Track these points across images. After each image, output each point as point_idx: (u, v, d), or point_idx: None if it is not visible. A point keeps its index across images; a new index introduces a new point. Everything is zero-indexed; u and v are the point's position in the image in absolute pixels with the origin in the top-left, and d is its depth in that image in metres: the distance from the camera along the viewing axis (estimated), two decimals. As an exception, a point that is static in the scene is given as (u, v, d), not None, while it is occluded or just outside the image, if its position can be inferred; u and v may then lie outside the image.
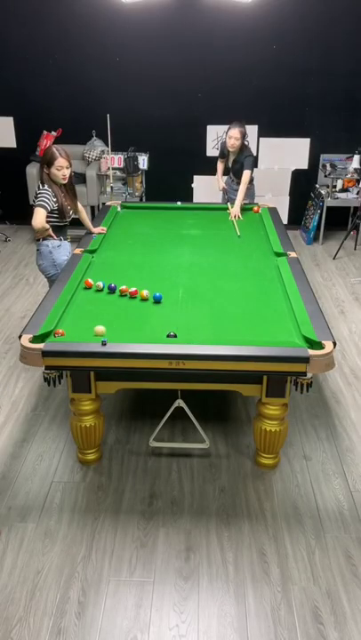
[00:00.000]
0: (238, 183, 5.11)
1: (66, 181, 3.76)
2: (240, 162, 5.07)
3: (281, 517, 2.86)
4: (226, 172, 5.42)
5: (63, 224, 3.84)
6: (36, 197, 3.72)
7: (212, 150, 6.68)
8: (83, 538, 2.73)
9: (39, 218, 3.61)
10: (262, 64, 6.27)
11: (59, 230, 3.81)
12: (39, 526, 2.80)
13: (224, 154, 5.27)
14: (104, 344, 2.65)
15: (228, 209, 4.80)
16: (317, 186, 6.73)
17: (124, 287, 3.25)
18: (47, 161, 3.68)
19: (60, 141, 6.38)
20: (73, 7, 6.08)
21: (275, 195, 6.83)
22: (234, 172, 5.24)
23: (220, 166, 5.43)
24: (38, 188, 3.75)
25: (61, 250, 3.82)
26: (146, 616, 2.38)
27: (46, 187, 3.69)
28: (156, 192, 6.73)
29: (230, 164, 5.24)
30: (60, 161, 3.66)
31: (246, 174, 4.95)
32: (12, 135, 6.69)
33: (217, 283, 3.44)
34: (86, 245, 3.90)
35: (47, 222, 3.68)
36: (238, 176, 5.10)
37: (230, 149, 5.07)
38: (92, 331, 2.83)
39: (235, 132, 4.96)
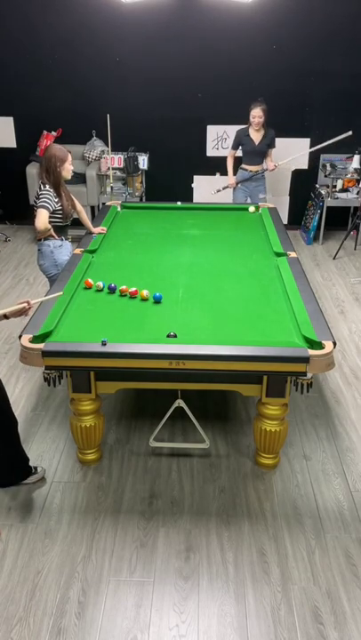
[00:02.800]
0: (260, 171, 5.65)
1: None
2: (269, 136, 5.61)
3: (281, 517, 2.86)
4: (235, 169, 5.79)
5: (65, 224, 3.86)
6: (37, 198, 3.72)
7: (212, 150, 6.68)
8: (83, 538, 2.73)
9: (42, 219, 3.62)
10: (262, 64, 6.27)
11: (60, 230, 3.82)
12: (39, 526, 2.80)
13: (240, 144, 5.63)
14: (104, 344, 2.65)
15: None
16: (317, 186, 6.73)
17: (124, 287, 3.25)
18: (61, 159, 3.70)
19: (59, 141, 6.38)
20: (73, 7, 6.07)
21: (275, 195, 6.82)
22: (259, 151, 5.61)
23: (231, 161, 5.74)
24: (40, 188, 3.74)
25: (62, 250, 3.83)
26: (146, 616, 2.38)
27: (48, 187, 3.70)
28: (156, 192, 6.73)
29: (257, 143, 5.58)
30: (70, 156, 3.76)
31: (271, 153, 5.72)
32: (12, 135, 6.69)
33: (217, 283, 3.44)
34: (86, 245, 3.90)
35: (50, 223, 3.69)
36: (259, 158, 5.65)
37: (255, 128, 5.52)
38: (92, 330, 2.84)
39: (257, 111, 5.45)
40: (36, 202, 3.73)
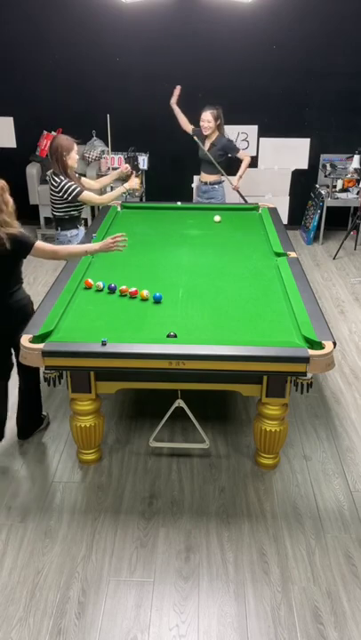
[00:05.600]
0: (207, 183, 5.27)
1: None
2: (219, 145, 5.12)
3: (281, 517, 2.86)
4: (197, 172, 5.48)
5: (80, 212, 4.10)
6: (58, 190, 3.90)
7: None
8: (83, 538, 2.73)
9: (92, 198, 3.99)
10: (263, 64, 6.27)
11: (76, 219, 4.05)
12: (39, 526, 2.80)
13: (196, 138, 5.24)
14: (104, 344, 2.65)
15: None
16: (317, 186, 6.73)
17: (124, 287, 3.25)
18: (67, 148, 3.89)
19: (60, 141, 6.38)
20: (73, 7, 6.08)
21: (275, 195, 6.82)
22: (208, 160, 5.15)
23: (183, 119, 5.36)
24: (54, 180, 3.90)
25: (79, 237, 4.07)
26: (146, 616, 2.38)
27: (62, 177, 3.92)
28: (156, 192, 6.73)
29: (206, 150, 5.16)
30: (75, 145, 3.97)
31: (244, 153, 5.30)
32: (12, 135, 6.69)
33: (217, 283, 3.44)
34: (86, 245, 3.91)
35: (68, 212, 3.98)
36: (212, 167, 5.17)
37: (205, 133, 5.11)
38: (92, 331, 2.84)
39: (206, 114, 5.04)
40: (54, 192, 3.92)
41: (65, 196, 3.90)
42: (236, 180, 5.25)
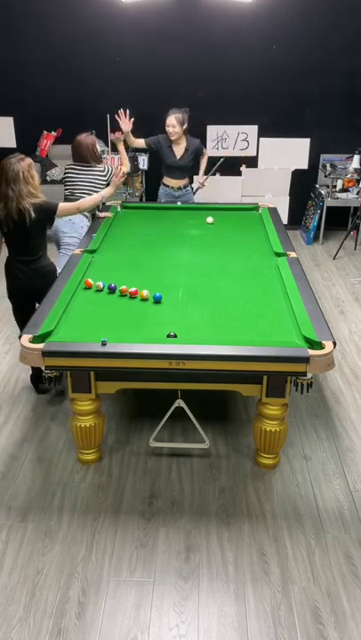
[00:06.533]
0: (180, 188, 5.09)
1: None
2: (191, 149, 4.94)
3: (281, 517, 2.86)
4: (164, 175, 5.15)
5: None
6: (110, 173, 4.39)
7: (212, 150, 6.67)
8: (83, 538, 2.73)
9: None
10: (262, 64, 6.28)
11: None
12: (39, 526, 2.79)
13: (157, 150, 4.98)
14: (104, 344, 2.65)
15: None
16: (317, 186, 6.73)
17: (124, 287, 3.25)
18: (93, 142, 4.38)
19: (60, 141, 6.40)
20: (73, 7, 6.08)
21: (275, 195, 6.83)
22: (182, 166, 4.96)
23: (134, 140, 4.94)
24: (98, 170, 4.34)
25: (85, 227, 4.33)
26: (146, 616, 2.38)
27: (102, 165, 4.43)
28: (156, 192, 6.71)
29: (178, 158, 4.93)
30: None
31: (205, 150, 5.26)
32: (12, 135, 6.69)
33: (217, 283, 3.44)
34: (86, 245, 3.91)
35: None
36: (184, 172, 5.04)
37: (172, 138, 4.83)
38: (92, 330, 2.84)
39: (171, 119, 4.76)
40: (100, 177, 4.34)
41: (109, 178, 4.37)
42: (201, 177, 5.21)
